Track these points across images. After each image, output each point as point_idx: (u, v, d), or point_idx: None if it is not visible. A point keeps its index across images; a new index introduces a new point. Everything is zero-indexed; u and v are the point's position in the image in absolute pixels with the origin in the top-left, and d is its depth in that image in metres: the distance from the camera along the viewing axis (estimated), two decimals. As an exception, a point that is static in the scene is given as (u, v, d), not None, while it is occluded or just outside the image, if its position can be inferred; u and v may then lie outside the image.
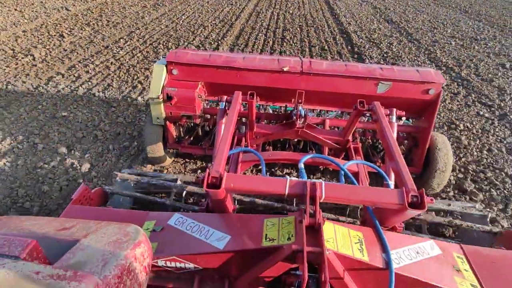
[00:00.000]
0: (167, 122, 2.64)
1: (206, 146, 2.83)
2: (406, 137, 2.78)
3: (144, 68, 5.11)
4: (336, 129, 2.88)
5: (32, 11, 7.70)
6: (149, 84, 3.50)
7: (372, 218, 1.58)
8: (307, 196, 1.38)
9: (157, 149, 2.73)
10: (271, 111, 3.01)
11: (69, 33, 6.47)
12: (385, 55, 6.28)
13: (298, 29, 7.73)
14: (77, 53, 5.55)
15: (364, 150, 2.76)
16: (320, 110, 3.01)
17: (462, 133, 3.83)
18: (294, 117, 2.33)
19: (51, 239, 0.93)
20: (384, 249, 1.41)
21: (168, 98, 2.46)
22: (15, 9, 7.67)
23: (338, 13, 9.52)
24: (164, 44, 6.22)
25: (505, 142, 3.73)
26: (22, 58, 5.21)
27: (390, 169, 1.86)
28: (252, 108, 2.22)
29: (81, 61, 5.25)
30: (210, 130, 3.00)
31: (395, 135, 2.20)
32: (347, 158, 2.51)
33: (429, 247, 1.51)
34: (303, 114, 2.31)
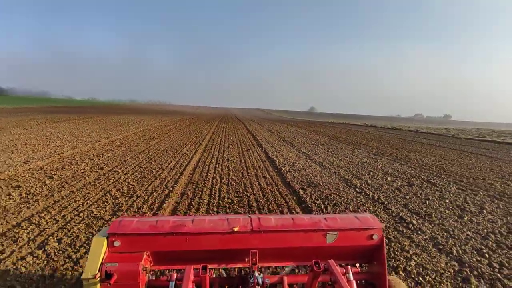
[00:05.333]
0: None
1: None
2: (365, 285, 2.73)
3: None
4: (295, 286, 2.79)
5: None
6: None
7: None
8: None
9: None
10: (224, 274, 2.86)
11: (112, 149, 11.98)
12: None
13: (236, 137, 14.51)
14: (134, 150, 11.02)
15: None
16: (276, 267, 2.89)
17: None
18: (251, 284, 2.23)
19: None
20: None
21: (107, 276, 2.10)
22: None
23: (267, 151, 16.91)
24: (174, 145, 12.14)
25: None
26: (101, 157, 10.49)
27: None
28: (206, 283, 2.12)
29: (139, 154, 10.72)
30: None
31: None
32: None
33: None
34: (260, 282, 2.22)
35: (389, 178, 8.67)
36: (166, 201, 5.89)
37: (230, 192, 6.76)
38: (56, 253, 3.83)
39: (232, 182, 7.57)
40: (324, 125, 37.08)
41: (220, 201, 6.09)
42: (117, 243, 2.26)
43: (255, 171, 9.01)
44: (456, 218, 5.63)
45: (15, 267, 3.51)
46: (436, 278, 3.58)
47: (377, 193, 7.09)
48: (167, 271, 2.56)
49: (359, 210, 5.90)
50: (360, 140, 19.32)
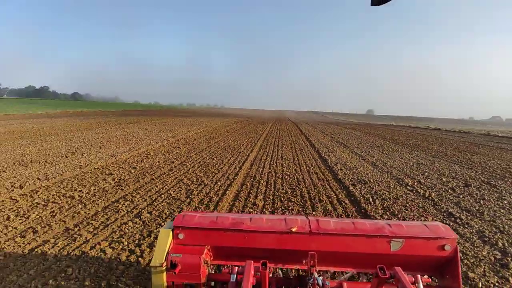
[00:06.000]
0: None
1: None
2: None
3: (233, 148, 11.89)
4: None
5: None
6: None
7: None
8: None
9: None
10: (281, 274, 2.80)
11: (179, 147, 13.51)
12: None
13: (288, 134, 15.19)
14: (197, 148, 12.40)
15: None
16: (335, 272, 2.79)
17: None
18: (310, 285, 2.21)
19: None
20: None
21: (172, 265, 2.30)
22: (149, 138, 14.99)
23: (318, 148, 17.37)
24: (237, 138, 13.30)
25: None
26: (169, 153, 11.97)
27: None
28: (265, 279, 2.12)
29: (204, 150, 12.04)
30: None
31: None
32: None
33: None
34: (320, 284, 2.19)
35: (444, 179, 8.57)
36: (228, 189, 6.82)
37: (284, 184, 7.47)
38: (149, 221, 4.93)
39: (286, 177, 8.26)
40: (382, 127, 35.74)
41: (275, 192, 6.83)
42: (181, 236, 2.44)
43: (308, 168, 9.59)
44: (510, 217, 5.60)
45: (120, 229, 4.65)
46: (475, 262, 3.86)
47: (429, 191, 7.18)
48: (225, 266, 2.65)
49: (407, 205, 6.16)
50: (420, 142, 18.56)
